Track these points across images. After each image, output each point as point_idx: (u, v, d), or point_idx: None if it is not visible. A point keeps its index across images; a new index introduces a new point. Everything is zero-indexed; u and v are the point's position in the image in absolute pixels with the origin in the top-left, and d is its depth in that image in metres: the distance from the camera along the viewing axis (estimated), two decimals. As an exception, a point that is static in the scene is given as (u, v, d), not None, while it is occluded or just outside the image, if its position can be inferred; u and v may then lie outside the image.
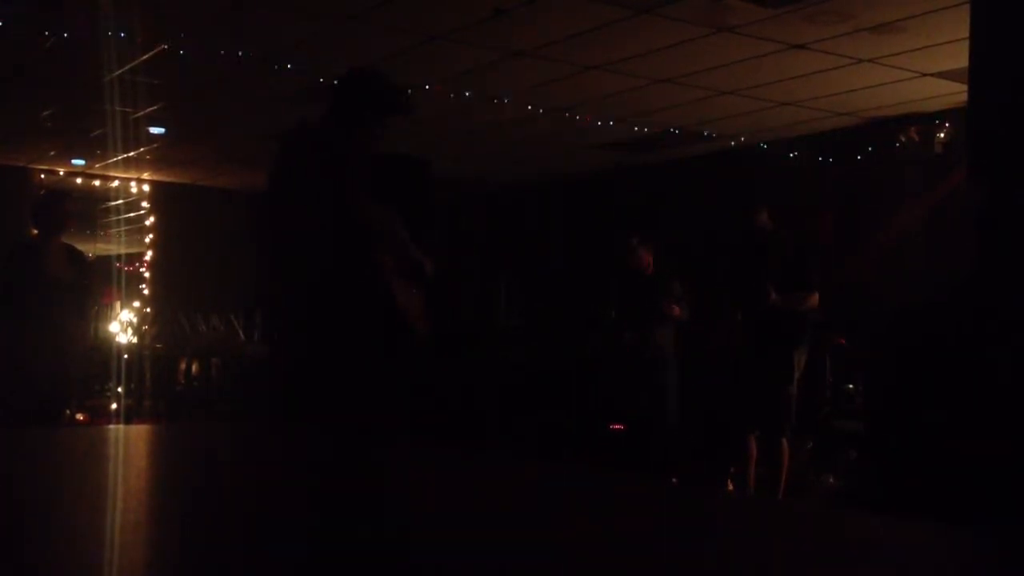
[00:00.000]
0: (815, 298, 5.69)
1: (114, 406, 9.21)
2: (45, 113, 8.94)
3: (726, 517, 1.73)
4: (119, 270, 12.21)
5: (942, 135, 8.18)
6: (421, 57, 7.07)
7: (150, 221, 12.44)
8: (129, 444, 2.62)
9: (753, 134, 9.30)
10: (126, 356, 10.11)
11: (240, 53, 7.20)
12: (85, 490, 1.78)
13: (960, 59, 4.86)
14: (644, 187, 10.31)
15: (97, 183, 12.06)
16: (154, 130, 9.37)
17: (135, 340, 11.08)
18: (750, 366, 5.67)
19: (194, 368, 10.52)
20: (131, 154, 10.19)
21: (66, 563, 1.22)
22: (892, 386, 5.92)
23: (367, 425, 3.51)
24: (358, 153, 3.76)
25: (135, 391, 9.87)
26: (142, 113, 8.51)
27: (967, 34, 4.04)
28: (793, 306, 5.60)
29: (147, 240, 12.53)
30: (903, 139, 8.41)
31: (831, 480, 6.69)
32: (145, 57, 7.10)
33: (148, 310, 12.29)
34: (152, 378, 10.16)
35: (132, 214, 12.41)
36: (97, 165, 11.44)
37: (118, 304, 11.62)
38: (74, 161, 11.33)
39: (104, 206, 12.23)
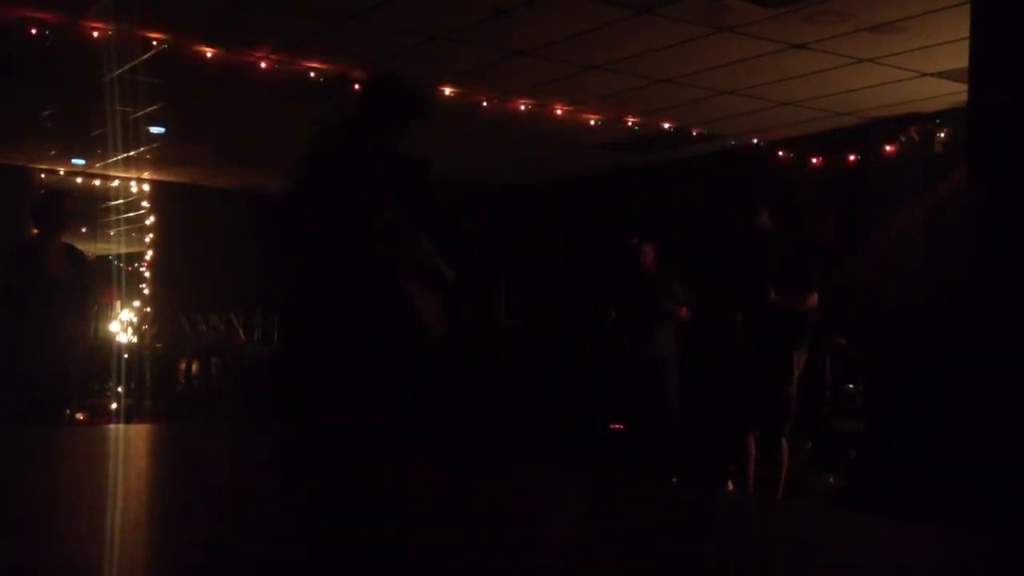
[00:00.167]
0: (815, 298, 5.69)
1: (114, 406, 9.21)
2: (45, 113, 8.94)
3: (726, 517, 1.74)
4: (119, 270, 12.21)
5: (942, 135, 8.18)
6: (421, 57, 7.07)
7: (150, 221, 12.44)
8: (129, 444, 2.62)
9: (753, 134, 9.30)
10: (126, 356, 10.11)
11: (240, 53, 7.20)
12: (85, 490, 1.78)
13: (960, 59, 4.86)
14: (644, 187, 10.31)
15: (97, 183, 12.05)
16: (154, 130, 9.37)
17: (135, 340, 11.08)
18: (750, 366, 5.67)
19: (194, 368, 10.52)
20: (131, 154, 10.19)
21: (66, 563, 1.22)
22: (892, 386, 5.93)
23: (367, 425, 3.52)
24: (359, 153, 3.76)
25: (135, 391, 9.87)
26: (142, 113, 8.51)
27: (967, 34, 4.04)
28: (793, 306, 5.60)
29: (147, 240, 12.53)
30: (903, 139, 8.41)
31: (831, 480, 6.68)
32: (145, 57, 7.10)
33: (148, 310, 12.29)
34: (152, 378, 10.16)
35: (132, 214, 12.41)
36: (97, 165, 11.43)
37: (118, 304, 11.62)
38: (74, 161, 11.32)
39: (104, 206, 12.23)
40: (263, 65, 7.37)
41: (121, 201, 12.30)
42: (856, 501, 5.92)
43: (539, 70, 7.50)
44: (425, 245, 3.93)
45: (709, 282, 6.64)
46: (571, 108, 8.53)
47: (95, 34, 6.77)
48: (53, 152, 10.80)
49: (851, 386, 7.33)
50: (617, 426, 7.59)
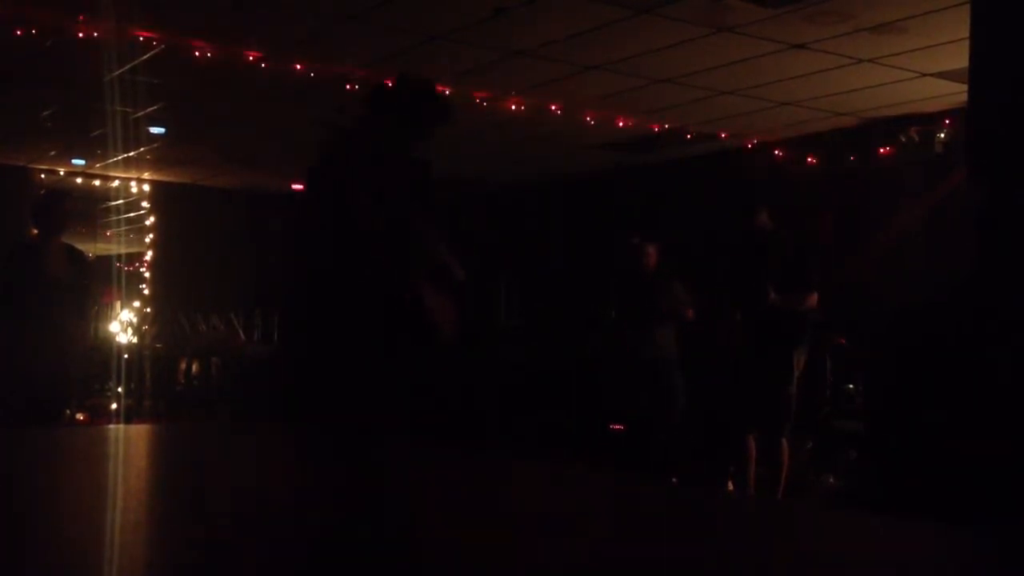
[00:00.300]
0: (815, 298, 5.69)
1: (114, 406, 9.21)
2: (45, 113, 8.94)
3: (726, 517, 1.74)
4: (119, 270, 12.20)
5: (942, 135, 8.18)
6: (421, 57, 7.07)
7: (150, 221, 12.44)
8: (129, 444, 2.62)
9: (753, 134, 9.29)
10: (126, 356, 10.11)
11: (240, 53, 7.20)
12: (85, 490, 1.78)
13: (960, 59, 4.86)
14: (644, 187, 10.31)
15: (97, 183, 12.05)
16: (154, 130, 9.37)
17: (135, 340, 11.08)
18: (750, 366, 5.67)
19: (194, 368, 10.53)
20: (131, 154, 10.18)
21: (66, 563, 1.22)
22: (892, 386, 5.93)
23: (367, 425, 3.52)
24: (360, 154, 3.77)
25: (135, 391, 9.87)
26: (142, 113, 8.51)
27: (967, 34, 4.04)
28: (793, 306, 5.60)
29: (147, 240, 12.53)
30: (903, 139, 8.40)
31: (831, 480, 6.68)
32: (145, 57, 7.10)
33: (148, 310, 12.28)
34: (152, 378, 10.16)
35: (132, 214, 12.41)
36: (97, 165, 11.43)
37: (118, 304, 11.62)
38: (74, 161, 11.32)
39: (104, 206, 12.21)
40: (262, 65, 7.37)
41: (121, 201, 12.30)
42: (856, 501, 5.92)
43: (539, 70, 7.50)
44: (438, 245, 3.91)
45: (709, 282, 6.64)
46: (571, 108, 8.53)
47: (95, 34, 6.78)
48: (53, 152, 10.80)
49: (851, 386, 7.32)
50: (617, 426, 7.58)
